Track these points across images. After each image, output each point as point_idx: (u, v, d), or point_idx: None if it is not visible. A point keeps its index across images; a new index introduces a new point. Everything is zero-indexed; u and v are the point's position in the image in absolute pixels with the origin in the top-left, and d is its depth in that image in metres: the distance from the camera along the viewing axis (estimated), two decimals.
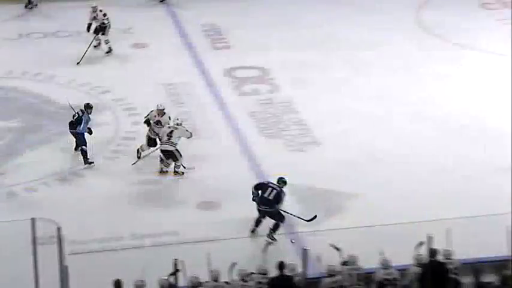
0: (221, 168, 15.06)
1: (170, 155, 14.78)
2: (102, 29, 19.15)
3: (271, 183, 13.53)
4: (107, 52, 19.36)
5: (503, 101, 17.04)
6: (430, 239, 10.98)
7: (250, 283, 11.24)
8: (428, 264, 11.18)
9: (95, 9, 19.20)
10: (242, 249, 12.22)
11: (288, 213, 13.46)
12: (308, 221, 13.52)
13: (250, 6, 21.95)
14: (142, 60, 19.08)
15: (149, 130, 15.20)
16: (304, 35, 20.27)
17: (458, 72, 18.75)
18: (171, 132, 14.74)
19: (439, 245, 11.23)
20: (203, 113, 16.72)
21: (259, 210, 13.48)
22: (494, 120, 16.62)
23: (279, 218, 13.42)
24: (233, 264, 11.40)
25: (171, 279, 10.79)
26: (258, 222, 13.56)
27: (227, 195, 14.25)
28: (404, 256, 11.52)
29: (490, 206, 13.45)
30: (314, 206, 13.88)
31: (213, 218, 13.61)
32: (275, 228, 13.42)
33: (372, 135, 15.92)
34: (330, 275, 11.21)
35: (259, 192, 13.45)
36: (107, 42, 19.32)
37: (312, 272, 11.18)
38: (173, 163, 14.89)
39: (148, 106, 15.78)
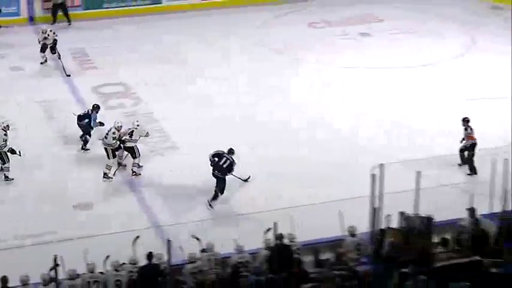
0: (92, 171, 15.38)
1: (130, 151, 15.31)
2: (53, 47, 19.63)
3: (226, 154, 14.40)
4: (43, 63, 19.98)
5: (339, 105, 18.24)
6: (275, 225, 11.51)
7: (122, 272, 11.44)
8: (275, 247, 11.55)
9: (45, 31, 19.66)
10: (114, 244, 12.42)
11: (235, 176, 14.46)
12: (245, 180, 14.80)
13: (115, 32, 22.74)
14: (19, 81, 19.29)
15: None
16: (163, 54, 21.06)
17: (295, 81, 19.75)
18: (132, 132, 15.38)
19: (284, 230, 11.75)
20: (75, 125, 16.53)
21: (213, 175, 14.34)
22: (332, 121, 17.41)
23: (221, 187, 14.27)
24: (107, 257, 11.64)
25: (52, 273, 10.93)
26: (218, 190, 14.34)
27: (98, 196, 14.61)
28: (255, 241, 11.94)
29: (324, 195, 14.13)
30: (173, 201, 14.41)
31: (87, 217, 13.91)
32: (215, 196, 14.21)
33: (226, 138, 16.08)
34: (191, 262, 11.46)
35: (216, 159, 14.31)
36: (59, 57, 19.66)
37: (176, 260, 11.38)
38: (117, 167, 15.36)
39: (25, 122, 16.45)
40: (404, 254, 10.76)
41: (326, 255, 11.68)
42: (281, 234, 11.72)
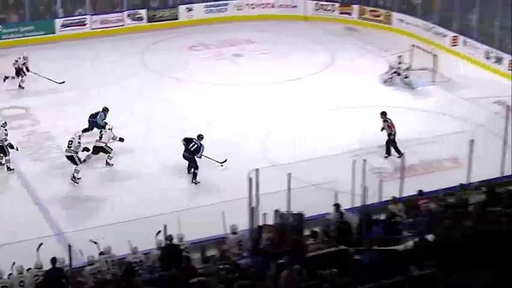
0: None
1: (102, 150, 16.02)
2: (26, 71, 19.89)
3: (195, 139, 15.61)
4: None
5: (218, 119, 18.41)
6: (165, 227, 11.47)
7: (28, 276, 11.30)
8: (165, 247, 11.52)
9: (26, 58, 19.90)
10: (20, 252, 11.99)
11: (206, 157, 15.55)
12: (221, 163, 15.92)
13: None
14: None
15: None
16: (59, 78, 20.49)
17: (177, 100, 19.83)
18: (102, 135, 16.22)
19: (173, 231, 11.73)
20: None
21: (183, 156, 15.55)
22: (213, 133, 17.17)
23: (194, 165, 15.48)
24: (13, 264, 11.46)
25: None
26: (189, 167, 15.55)
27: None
28: (148, 242, 11.93)
29: (209, 199, 14.47)
30: (74, 211, 14.52)
31: None
32: (194, 176, 15.46)
33: (127, 149, 16.43)
34: (90, 264, 11.42)
35: (185, 143, 15.53)
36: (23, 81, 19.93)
37: (77, 263, 11.36)
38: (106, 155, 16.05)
39: None
40: (279, 247, 10.96)
41: (211, 252, 11.72)
42: (171, 235, 11.69)
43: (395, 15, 25.86)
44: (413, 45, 22.42)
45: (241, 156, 16.69)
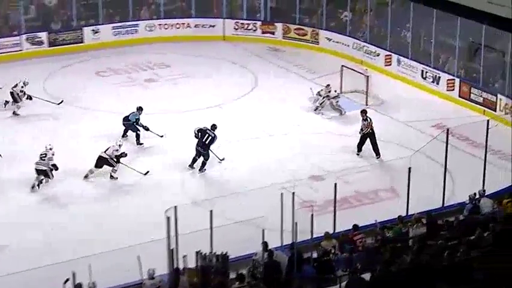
0: None
1: (106, 163, 17.27)
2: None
3: (209, 129, 17.40)
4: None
5: (128, 150, 18.22)
6: (74, 274, 11.35)
7: None
8: None
9: (26, 84, 20.40)
10: None
11: (213, 152, 17.36)
12: (220, 161, 17.56)
13: None
14: None
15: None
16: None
17: (84, 129, 19.91)
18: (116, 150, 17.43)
19: (83, 278, 11.64)
20: None
21: (196, 150, 17.38)
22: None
23: (206, 158, 17.36)
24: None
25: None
26: (193, 161, 17.48)
27: None
28: None
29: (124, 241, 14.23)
30: None
31: None
32: (203, 165, 17.35)
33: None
34: None
35: (200, 134, 17.27)
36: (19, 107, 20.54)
37: None
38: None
39: None
40: None
41: None
42: (80, 283, 11.57)
43: (323, 34, 26.56)
44: (343, 66, 22.98)
45: (157, 192, 16.79)
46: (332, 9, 26.82)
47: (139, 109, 19.26)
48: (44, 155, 16.85)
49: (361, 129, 18.83)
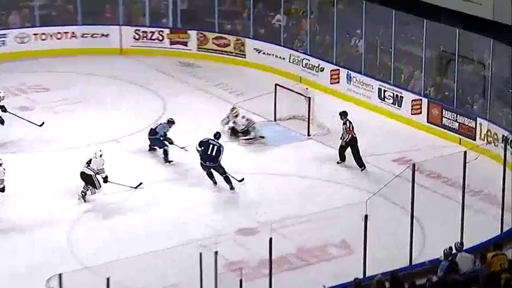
0: None
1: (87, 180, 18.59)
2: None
3: (211, 139, 19.10)
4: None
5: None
6: None
7: None
8: None
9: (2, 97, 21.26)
10: None
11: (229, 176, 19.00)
12: (240, 181, 19.27)
13: None
14: None
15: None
16: None
17: None
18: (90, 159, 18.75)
19: None
20: None
21: (203, 166, 19.12)
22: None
23: (222, 171, 19.02)
24: None
25: None
26: (211, 176, 19.14)
27: None
28: None
29: None
30: None
31: None
32: (227, 181, 19.04)
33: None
34: None
35: (202, 148, 18.95)
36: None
37: None
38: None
39: None
40: None
41: None
42: None
43: (250, 44, 27.01)
44: (277, 85, 23.11)
45: (35, 253, 16.82)
46: (261, 12, 27.23)
47: (170, 122, 20.96)
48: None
49: (342, 136, 20.45)
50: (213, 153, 19.12)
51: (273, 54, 26.49)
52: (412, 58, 23.80)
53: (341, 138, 20.61)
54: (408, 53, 23.89)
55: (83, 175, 18.75)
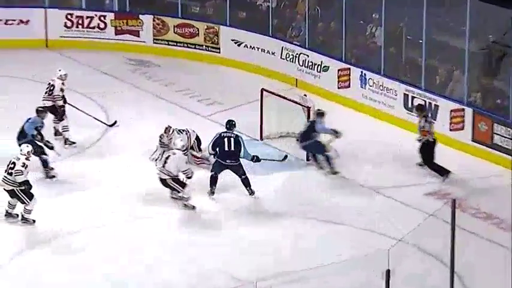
0: None
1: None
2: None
3: (224, 132, 20.74)
4: None
5: None
6: None
7: None
8: None
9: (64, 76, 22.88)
10: None
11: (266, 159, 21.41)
12: (281, 160, 21.83)
13: None
14: None
15: None
16: None
17: None
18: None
19: None
20: None
21: (221, 165, 20.64)
22: None
23: (242, 171, 20.63)
24: None
25: None
26: (214, 181, 20.62)
27: None
28: None
29: None
30: None
31: None
32: (246, 183, 20.68)
33: None
34: None
35: (217, 149, 20.55)
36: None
37: None
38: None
39: None
40: None
41: None
42: None
43: (226, 33, 27.40)
44: (264, 91, 23.29)
45: None
46: None
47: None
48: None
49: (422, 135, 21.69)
50: (232, 148, 20.67)
51: (258, 48, 26.75)
52: (450, 52, 23.89)
53: (419, 139, 21.75)
54: (445, 45, 24.04)
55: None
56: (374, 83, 24.68)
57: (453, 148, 23.01)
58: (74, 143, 22.78)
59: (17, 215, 19.70)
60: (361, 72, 24.92)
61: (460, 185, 21.11)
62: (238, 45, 27.02)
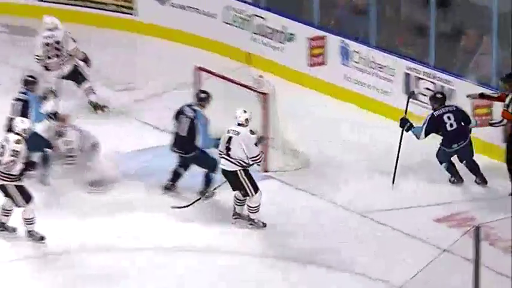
0: None
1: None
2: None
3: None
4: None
5: None
6: None
7: None
8: None
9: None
10: None
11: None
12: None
13: None
14: None
15: None
16: None
17: None
18: None
19: None
20: None
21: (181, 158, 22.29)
22: None
23: (206, 164, 22.37)
24: None
25: None
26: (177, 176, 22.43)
27: None
28: None
29: None
30: None
31: None
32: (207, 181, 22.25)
33: None
34: None
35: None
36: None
37: None
38: None
39: None
40: None
41: None
42: None
43: None
44: (200, 70, 23.91)
45: None
46: None
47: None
48: None
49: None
50: (184, 133, 21.89)
51: (191, 8, 27.66)
52: (471, 15, 24.42)
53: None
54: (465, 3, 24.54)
55: None
56: (361, 57, 25.20)
57: (480, 154, 23.18)
58: None
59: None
60: (342, 42, 25.38)
61: (484, 206, 21.58)
62: (162, 3, 27.66)
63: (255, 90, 23.01)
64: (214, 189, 22.00)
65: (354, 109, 24.84)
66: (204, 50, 26.56)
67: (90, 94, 25.34)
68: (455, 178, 22.44)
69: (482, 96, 22.62)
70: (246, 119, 21.48)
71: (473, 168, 22.30)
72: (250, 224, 21.26)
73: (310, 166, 22.94)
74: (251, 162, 21.14)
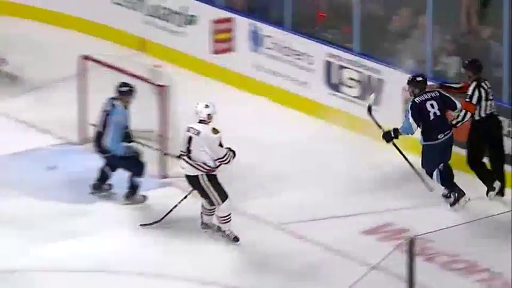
0: None
1: None
2: None
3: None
4: None
5: None
6: None
7: None
8: None
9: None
10: None
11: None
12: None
13: None
14: None
15: None
16: None
17: None
18: None
19: None
20: None
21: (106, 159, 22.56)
22: None
23: (128, 165, 22.46)
24: None
25: None
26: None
27: None
28: None
29: None
30: None
31: None
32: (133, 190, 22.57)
33: None
34: None
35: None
36: None
37: None
38: None
39: None
40: None
41: None
42: None
43: None
44: (85, 59, 24.36)
45: None
46: None
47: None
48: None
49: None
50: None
51: None
52: None
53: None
54: None
55: None
56: (274, 43, 25.31)
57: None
58: None
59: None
60: (252, 25, 25.55)
61: (415, 214, 21.93)
62: None
63: (150, 82, 23.18)
64: (182, 199, 21.76)
65: (266, 103, 25.13)
66: (90, 36, 26.21)
67: None
68: (455, 192, 22.03)
69: (442, 87, 22.56)
70: (209, 115, 21.53)
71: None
72: (221, 236, 21.35)
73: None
74: (217, 164, 21.11)
